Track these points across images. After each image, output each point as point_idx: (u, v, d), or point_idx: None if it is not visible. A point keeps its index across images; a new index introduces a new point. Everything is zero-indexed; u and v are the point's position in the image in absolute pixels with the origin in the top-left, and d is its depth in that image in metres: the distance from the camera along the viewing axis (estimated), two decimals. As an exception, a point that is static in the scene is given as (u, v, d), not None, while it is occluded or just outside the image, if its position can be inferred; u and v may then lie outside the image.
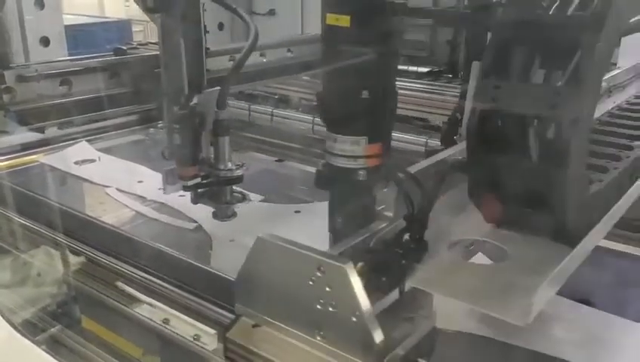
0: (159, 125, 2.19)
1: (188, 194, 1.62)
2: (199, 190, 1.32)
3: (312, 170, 1.78)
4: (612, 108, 1.39)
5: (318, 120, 2.11)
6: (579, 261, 0.84)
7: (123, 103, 2.07)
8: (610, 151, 1.09)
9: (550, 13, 0.79)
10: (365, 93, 0.92)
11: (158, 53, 1.67)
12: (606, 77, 1.53)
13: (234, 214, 1.36)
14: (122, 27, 4.76)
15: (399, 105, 1.90)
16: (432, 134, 1.83)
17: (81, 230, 1.31)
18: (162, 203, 1.57)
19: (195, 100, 1.27)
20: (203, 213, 1.49)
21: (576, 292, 1.19)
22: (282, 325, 0.81)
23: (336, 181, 0.98)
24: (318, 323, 0.77)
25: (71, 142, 1.92)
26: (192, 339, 1.00)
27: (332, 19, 0.91)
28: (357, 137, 0.95)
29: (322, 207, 1.53)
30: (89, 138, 1.97)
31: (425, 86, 2.05)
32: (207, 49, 1.35)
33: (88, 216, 1.39)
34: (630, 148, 1.12)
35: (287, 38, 2.11)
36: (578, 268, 1.20)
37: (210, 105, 1.27)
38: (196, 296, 1.06)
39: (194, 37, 1.29)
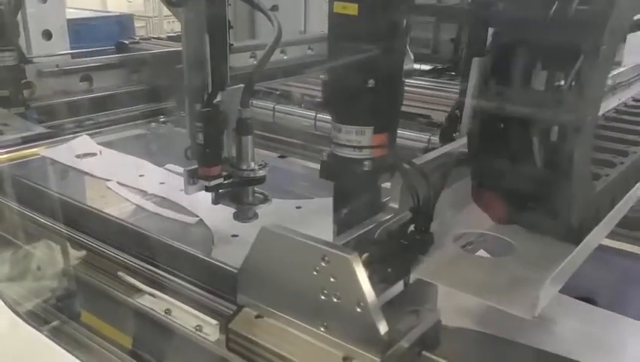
0: (161, 119, 2.19)
1: (189, 189, 1.63)
2: (220, 190, 1.28)
3: (315, 166, 1.78)
4: (618, 105, 1.39)
5: (320, 116, 2.11)
6: (583, 257, 0.84)
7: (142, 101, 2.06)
8: (616, 147, 1.09)
9: (551, 12, 0.77)
10: (371, 82, 0.91)
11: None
12: (611, 75, 1.53)
13: (255, 216, 1.32)
14: (124, 22, 4.75)
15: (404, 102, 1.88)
16: (434, 131, 1.82)
17: (82, 221, 1.31)
18: (163, 197, 1.56)
19: (218, 98, 1.24)
20: (204, 207, 1.49)
21: (579, 290, 1.19)
22: (285, 316, 0.81)
23: (340, 171, 0.97)
24: (321, 314, 0.77)
25: (72, 135, 1.92)
26: (194, 330, 0.99)
27: (339, 7, 0.90)
28: (362, 127, 0.93)
29: (323, 203, 1.53)
30: (90, 132, 1.97)
31: (428, 83, 2.05)
32: (230, 45, 1.30)
33: (90, 206, 1.39)
34: (638, 143, 1.12)
35: (309, 35, 2.08)
36: (580, 266, 1.20)
37: (233, 103, 1.23)
38: (198, 286, 1.05)
39: (218, 32, 1.25)
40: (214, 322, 0.97)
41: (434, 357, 0.82)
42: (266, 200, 1.32)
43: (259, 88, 2.36)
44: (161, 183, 1.66)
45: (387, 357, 0.73)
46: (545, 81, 0.80)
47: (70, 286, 1.34)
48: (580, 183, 0.80)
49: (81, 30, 3.75)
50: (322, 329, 0.77)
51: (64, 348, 1.20)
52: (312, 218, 1.48)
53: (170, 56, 2.05)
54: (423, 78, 2.09)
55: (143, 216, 1.49)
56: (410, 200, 0.83)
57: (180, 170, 1.75)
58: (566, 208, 0.81)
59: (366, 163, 0.94)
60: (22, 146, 1.79)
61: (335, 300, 0.75)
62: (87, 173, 1.71)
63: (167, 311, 1.05)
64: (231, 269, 0.98)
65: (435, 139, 1.71)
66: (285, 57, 1.81)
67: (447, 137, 1.37)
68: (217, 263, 1.06)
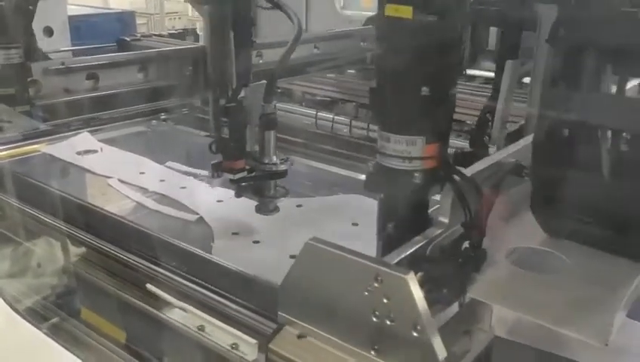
0: (162, 117, 2.19)
1: (189, 186, 1.63)
2: (243, 184, 1.31)
3: (316, 165, 1.78)
4: None
5: (321, 114, 2.11)
6: None
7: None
8: None
9: (624, 10, 0.72)
10: (425, 90, 0.85)
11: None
12: None
13: (276, 209, 1.34)
14: (126, 19, 4.74)
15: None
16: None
17: (83, 219, 1.31)
18: (164, 194, 1.56)
19: (242, 94, 1.26)
20: (204, 204, 1.49)
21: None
22: (331, 337, 0.76)
23: (388, 183, 0.90)
24: (372, 337, 0.72)
25: (73, 132, 1.92)
26: (229, 348, 0.93)
27: (391, 9, 0.84)
28: (414, 137, 0.87)
29: (324, 202, 1.53)
30: (91, 129, 1.97)
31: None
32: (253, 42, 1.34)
33: (91, 204, 1.39)
34: None
35: (321, 33, 2.07)
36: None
37: (257, 98, 1.26)
38: (234, 302, 0.99)
39: (242, 29, 1.27)
40: (253, 341, 0.91)
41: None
42: (287, 193, 1.34)
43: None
44: (162, 181, 1.66)
45: None
46: (616, 86, 0.76)
47: (70, 283, 1.34)
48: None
49: (83, 27, 3.74)
50: (373, 352, 0.72)
51: (62, 346, 1.20)
52: (314, 217, 1.47)
53: (174, 55, 2.04)
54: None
55: (143, 213, 1.49)
56: (461, 214, 0.79)
57: (181, 167, 1.76)
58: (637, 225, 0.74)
59: (416, 175, 0.88)
60: (23, 143, 1.79)
61: (388, 322, 0.70)
62: (88, 170, 1.71)
63: (201, 328, 0.99)
64: (271, 284, 0.92)
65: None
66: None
67: (477, 142, 1.34)
68: (256, 277, 1.00)
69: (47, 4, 2.31)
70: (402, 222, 0.90)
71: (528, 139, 0.97)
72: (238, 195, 1.33)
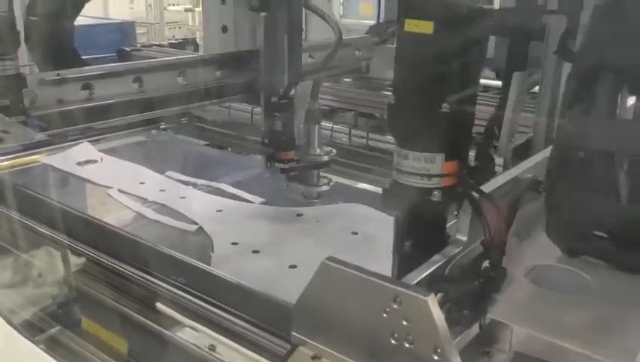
0: (161, 127, 2.19)
1: (189, 196, 1.63)
2: (292, 173, 1.47)
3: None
4: None
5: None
6: None
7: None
8: None
9: None
10: (445, 107, 0.84)
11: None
12: None
13: (319, 196, 1.51)
14: (126, 29, 4.76)
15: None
16: None
17: (82, 230, 1.31)
18: (164, 204, 1.57)
19: (293, 91, 1.44)
20: (204, 215, 1.49)
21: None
22: (347, 359, 0.74)
23: (406, 201, 0.89)
24: (390, 360, 0.70)
25: (73, 142, 1.93)
26: None
27: (411, 25, 0.83)
28: (433, 154, 0.85)
29: (325, 211, 1.53)
30: (91, 139, 1.97)
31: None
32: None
33: (91, 216, 1.39)
34: None
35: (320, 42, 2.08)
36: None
37: (304, 96, 1.44)
38: (245, 321, 0.97)
39: (294, 33, 1.43)
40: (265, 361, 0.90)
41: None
42: (329, 182, 1.51)
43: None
44: (162, 190, 1.66)
45: None
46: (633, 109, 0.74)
47: (69, 296, 1.34)
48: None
49: (83, 37, 3.76)
50: None
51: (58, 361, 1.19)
52: (314, 226, 1.47)
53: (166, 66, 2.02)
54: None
55: (142, 223, 1.49)
56: (480, 232, 0.78)
57: (181, 177, 1.76)
58: None
59: (435, 192, 0.87)
60: (22, 153, 1.79)
61: (407, 345, 0.68)
62: (87, 181, 1.71)
63: (212, 347, 0.98)
64: (285, 304, 0.90)
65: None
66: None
67: (484, 154, 1.33)
68: (269, 296, 0.98)
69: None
70: (420, 240, 0.88)
71: (543, 154, 0.97)
72: (288, 183, 1.50)
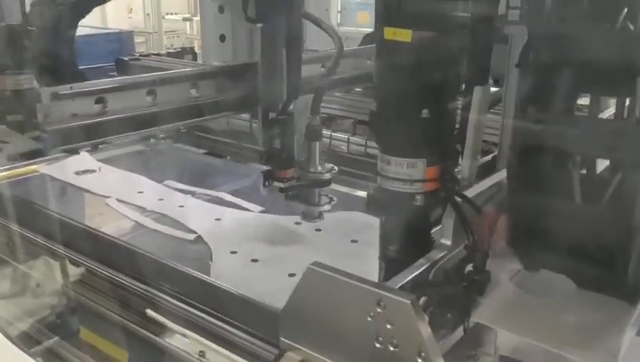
0: (160, 136, 2.19)
1: (188, 205, 1.63)
2: (290, 193, 1.38)
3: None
4: None
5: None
6: None
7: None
8: None
9: (600, 27, 0.71)
10: (425, 113, 0.85)
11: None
12: None
13: (321, 216, 1.40)
14: (124, 38, 4.77)
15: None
16: None
17: (80, 240, 1.31)
18: (162, 213, 1.56)
19: (291, 106, 1.35)
20: (203, 223, 1.49)
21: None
22: None
23: (389, 206, 0.90)
24: None
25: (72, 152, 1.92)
26: None
27: (390, 33, 0.84)
28: (414, 159, 0.87)
29: (324, 219, 1.53)
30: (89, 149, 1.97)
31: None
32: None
33: (89, 226, 1.39)
34: None
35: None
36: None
37: (304, 111, 1.34)
38: (234, 326, 0.98)
39: (293, 46, 1.35)
40: None
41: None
42: (331, 201, 1.40)
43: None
44: (160, 200, 1.66)
45: None
46: (590, 107, 0.73)
47: (67, 307, 1.34)
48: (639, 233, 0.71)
49: (82, 47, 3.77)
50: None
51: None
52: (313, 234, 1.47)
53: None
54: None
55: (141, 232, 1.48)
56: (463, 236, 0.78)
57: (179, 186, 1.76)
58: (623, 261, 0.71)
59: (418, 197, 0.88)
60: (21, 163, 1.79)
61: (392, 349, 0.69)
62: (86, 190, 1.71)
63: (201, 354, 0.99)
64: (273, 309, 0.91)
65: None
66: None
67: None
68: (257, 301, 0.99)
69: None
70: (404, 244, 0.89)
71: None
72: (288, 199, 1.40)
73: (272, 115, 1.35)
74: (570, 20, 0.74)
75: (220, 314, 1.01)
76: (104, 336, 1.30)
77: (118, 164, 1.92)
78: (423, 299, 0.72)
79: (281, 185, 1.37)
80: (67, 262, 1.30)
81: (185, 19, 7.50)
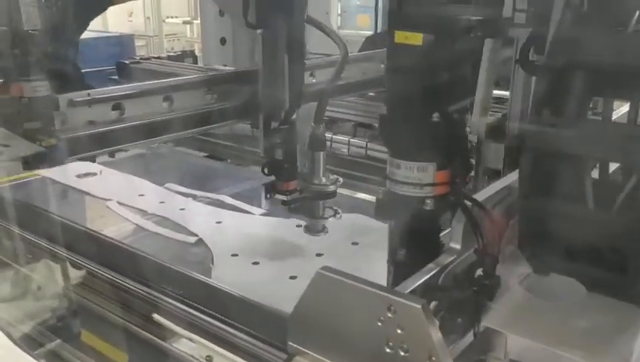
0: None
1: (189, 208, 1.63)
2: (293, 206, 1.32)
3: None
4: None
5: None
6: None
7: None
8: None
9: (612, 33, 0.71)
10: (436, 117, 0.85)
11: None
12: None
13: (324, 229, 1.34)
14: (125, 41, 4.79)
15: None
16: None
17: (82, 243, 1.31)
18: (163, 216, 1.57)
19: (294, 115, 1.29)
20: (203, 226, 1.49)
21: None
22: None
23: (399, 210, 0.90)
24: None
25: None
26: None
27: (401, 36, 0.83)
28: (425, 163, 0.86)
29: (327, 232, 1.52)
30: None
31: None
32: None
33: (90, 229, 1.39)
34: None
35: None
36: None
37: (307, 119, 1.28)
38: (240, 330, 0.99)
39: (296, 52, 1.30)
40: None
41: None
42: (336, 213, 1.34)
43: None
44: (161, 202, 1.66)
45: None
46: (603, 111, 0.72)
47: (69, 309, 1.34)
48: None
49: (83, 50, 3.77)
50: None
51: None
52: (314, 236, 1.47)
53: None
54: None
55: (142, 235, 1.49)
56: (473, 240, 0.78)
57: (180, 189, 1.76)
58: (636, 265, 0.71)
59: (428, 201, 0.87)
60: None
61: (402, 353, 0.68)
62: (87, 193, 1.71)
63: (209, 358, 0.99)
64: (281, 314, 0.90)
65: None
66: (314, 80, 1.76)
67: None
68: (265, 306, 0.98)
69: (46, 29, 2.33)
70: (414, 248, 0.89)
71: None
72: (288, 216, 1.36)
73: (274, 124, 1.30)
74: (583, 24, 0.74)
75: (226, 318, 1.01)
76: (105, 339, 1.30)
77: (119, 167, 1.92)
78: (433, 304, 0.72)
79: (284, 197, 1.31)
80: (68, 264, 1.30)
81: (185, 23, 7.51)
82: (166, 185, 1.78)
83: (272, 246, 1.42)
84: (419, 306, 0.66)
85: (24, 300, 1.47)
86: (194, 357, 1.01)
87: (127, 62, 2.49)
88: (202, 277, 1.15)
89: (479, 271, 0.78)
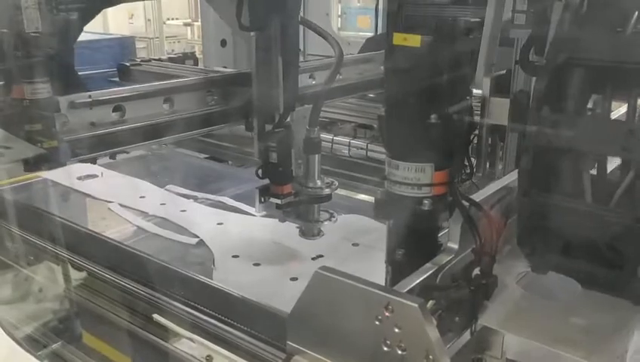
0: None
1: (190, 209, 1.64)
2: (288, 209, 1.31)
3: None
4: None
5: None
6: None
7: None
8: None
9: (612, 31, 0.72)
10: (434, 118, 0.85)
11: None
12: None
13: (320, 233, 1.34)
14: (126, 43, 4.78)
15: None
16: None
17: (83, 245, 1.31)
18: (164, 218, 1.57)
19: (288, 118, 1.28)
20: (205, 228, 1.49)
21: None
22: None
23: (397, 210, 0.91)
24: None
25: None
26: None
27: (399, 38, 0.84)
28: (423, 164, 0.87)
29: (323, 235, 1.53)
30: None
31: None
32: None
33: (92, 231, 1.39)
34: None
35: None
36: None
37: (302, 123, 1.27)
38: (240, 330, 1.00)
39: (290, 55, 1.28)
40: None
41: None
42: (331, 217, 1.33)
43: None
44: (162, 204, 1.66)
45: None
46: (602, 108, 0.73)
47: (71, 310, 1.34)
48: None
49: (84, 53, 3.77)
50: None
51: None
52: (315, 238, 1.47)
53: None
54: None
55: (143, 237, 1.49)
56: (471, 240, 0.79)
57: (181, 190, 1.76)
58: (633, 262, 0.72)
59: (426, 201, 0.88)
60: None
61: (400, 352, 0.69)
62: (88, 195, 1.72)
63: (209, 358, 0.99)
64: (280, 314, 0.92)
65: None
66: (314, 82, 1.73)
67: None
68: (264, 305, 1.00)
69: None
70: (412, 248, 0.90)
71: None
72: (282, 220, 1.34)
73: (268, 128, 1.29)
74: (583, 24, 0.75)
75: (226, 318, 1.01)
76: (106, 341, 1.30)
77: (120, 169, 1.93)
78: (430, 303, 0.73)
79: (278, 201, 1.30)
80: (69, 266, 1.31)
81: (186, 25, 7.52)
82: (167, 186, 1.79)
83: (273, 247, 1.42)
84: (416, 305, 0.67)
85: (26, 302, 1.47)
86: (194, 357, 1.01)
87: (127, 64, 2.49)
88: (203, 277, 1.15)
89: (476, 271, 0.79)
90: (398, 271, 0.88)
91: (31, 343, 1.36)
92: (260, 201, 1.31)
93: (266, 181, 1.31)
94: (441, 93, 0.86)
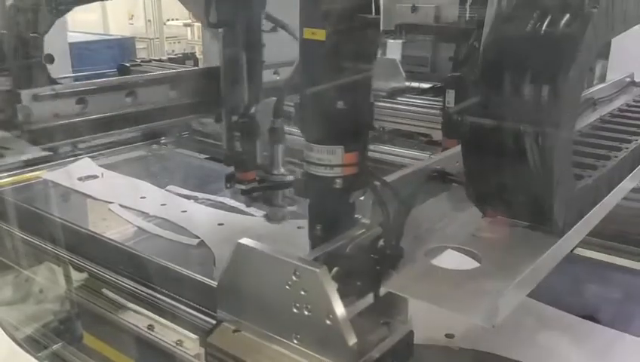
0: (162, 141, 2.20)
1: (191, 210, 1.64)
2: (254, 194, 1.42)
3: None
4: (595, 121, 1.37)
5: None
6: (551, 263, 0.84)
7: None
8: (600, 153, 1.11)
9: (529, 31, 0.81)
10: (341, 104, 0.95)
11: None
12: (592, 90, 1.53)
13: (285, 217, 1.43)
14: (126, 44, 4.80)
15: (402, 121, 1.90)
16: (434, 150, 1.82)
17: (84, 246, 1.31)
18: (165, 219, 1.57)
19: (253, 109, 1.39)
20: (205, 228, 1.49)
21: (582, 309, 1.19)
22: (261, 329, 0.83)
23: (313, 189, 1.01)
24: (294, 327, 0.79)
25: (74, 158, 1.93)
26: (174, 345, 1.04)
27: (308, 33, 0.94)
28: (333, 146, 0.97)
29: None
30: (92, 154, 1.98)
31: (427, 102, 2.05)
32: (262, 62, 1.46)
33: (92, 231, 1.39)
34: (619, 148, 1.15)
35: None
36: (584, 284, 1.20)
37: (266, 114, 1.37)
38: (181, 302, 1.09)
39: (254, 50, 1.40)
40: (194, 336, 1.02)
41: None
42: (295, 202, 1.43)
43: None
44: (163, 205, 1.66)
45: None
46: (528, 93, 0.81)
47: (70, 312, 1.34)
48: (561, 180, 0.84)
49: (84, 53, 3.79)
50: (295, 341, 0.79)
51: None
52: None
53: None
54: (422, 97, 2.09)
55: (144, 237, 1.49)
56: (380, 216, 0.85)
57: (182, 191, 1.76)
58: (549, 200, 0.84)
59: (337, 180, 0.98)
60: (24, 169, 1.80)
61: (306, 313, 0.77)
62: (88, 196, 1.72)
63: (150, 327, 1.09)
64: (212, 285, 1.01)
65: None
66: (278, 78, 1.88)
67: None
68: (200, 278, 1.09)
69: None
70: (328, 224, 0.98)
71: (453, 150, 1.09)
72: (248, 204, 1.46)
73: (234, 118, 1.40)
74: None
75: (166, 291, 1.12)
76: (107, 342, 1.30)
77: (120, 169, 1.93)
78: (335, 270, 0.79)
79: (243, 187, 1.41)
80: (70, 267, 1.31)
81: (186, 25, 7.52)
82: (168, 187, 1.79)
83: (274, 247, 1.42)
84: (317, 270, 0.75)
85: (26, 303, 1.47)
86: (195, 358, 1.03)
87: (127, 64, 2.50)
88: (204, 278, 1.15)
89: (381, 242, 0.85)
90: (316, 244, 0.96)
91: (31, 344, 1.36)
92: (226, 187, 1.45)
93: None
94: (347, 82, 0.95)
